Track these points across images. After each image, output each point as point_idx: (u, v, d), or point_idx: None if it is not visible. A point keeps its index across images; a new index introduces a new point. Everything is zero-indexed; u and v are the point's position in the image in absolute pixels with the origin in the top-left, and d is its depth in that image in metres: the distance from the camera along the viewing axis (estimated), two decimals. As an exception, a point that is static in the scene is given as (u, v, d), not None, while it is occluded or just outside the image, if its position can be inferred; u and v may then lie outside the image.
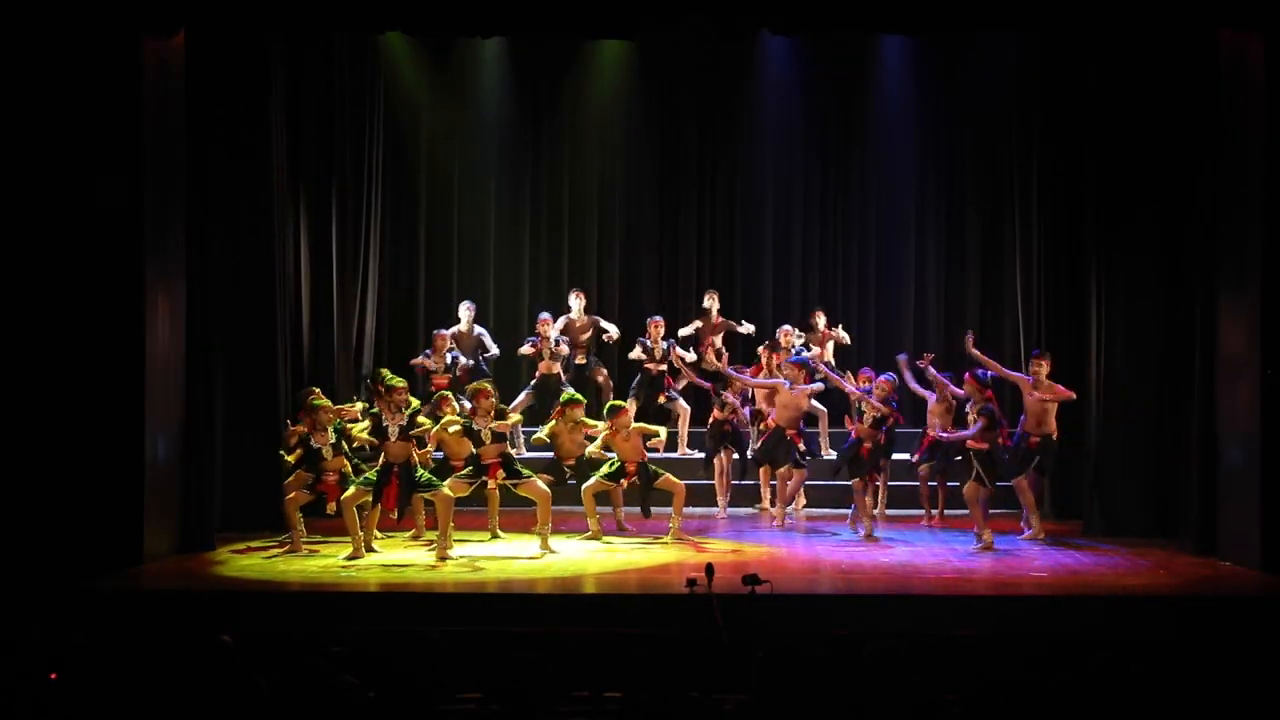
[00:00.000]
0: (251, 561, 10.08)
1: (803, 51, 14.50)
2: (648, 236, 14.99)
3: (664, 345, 13.31)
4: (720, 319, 13.81)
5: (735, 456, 12.43)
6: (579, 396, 11.49)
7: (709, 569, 6.99)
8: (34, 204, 9.79)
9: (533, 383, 13.22)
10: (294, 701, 5.20)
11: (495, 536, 10.91)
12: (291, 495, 10.37)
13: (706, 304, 13.85)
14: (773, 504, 12.24)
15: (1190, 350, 10.74)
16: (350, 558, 9.94)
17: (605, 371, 13.74)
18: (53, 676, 5.52)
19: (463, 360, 13.27)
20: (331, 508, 10.41)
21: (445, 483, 10.29)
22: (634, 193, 15.01)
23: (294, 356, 12.19)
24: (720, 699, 5.35)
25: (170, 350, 10.32)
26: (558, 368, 13.15)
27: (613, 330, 13.75)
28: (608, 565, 10.01)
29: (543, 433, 11.39)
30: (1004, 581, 9.39)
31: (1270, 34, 9.68)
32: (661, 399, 13.28)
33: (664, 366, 13.28)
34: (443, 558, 9.94)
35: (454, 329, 13.59)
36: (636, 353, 13.44)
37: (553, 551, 10.22)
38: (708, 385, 12.80)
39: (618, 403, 11.44)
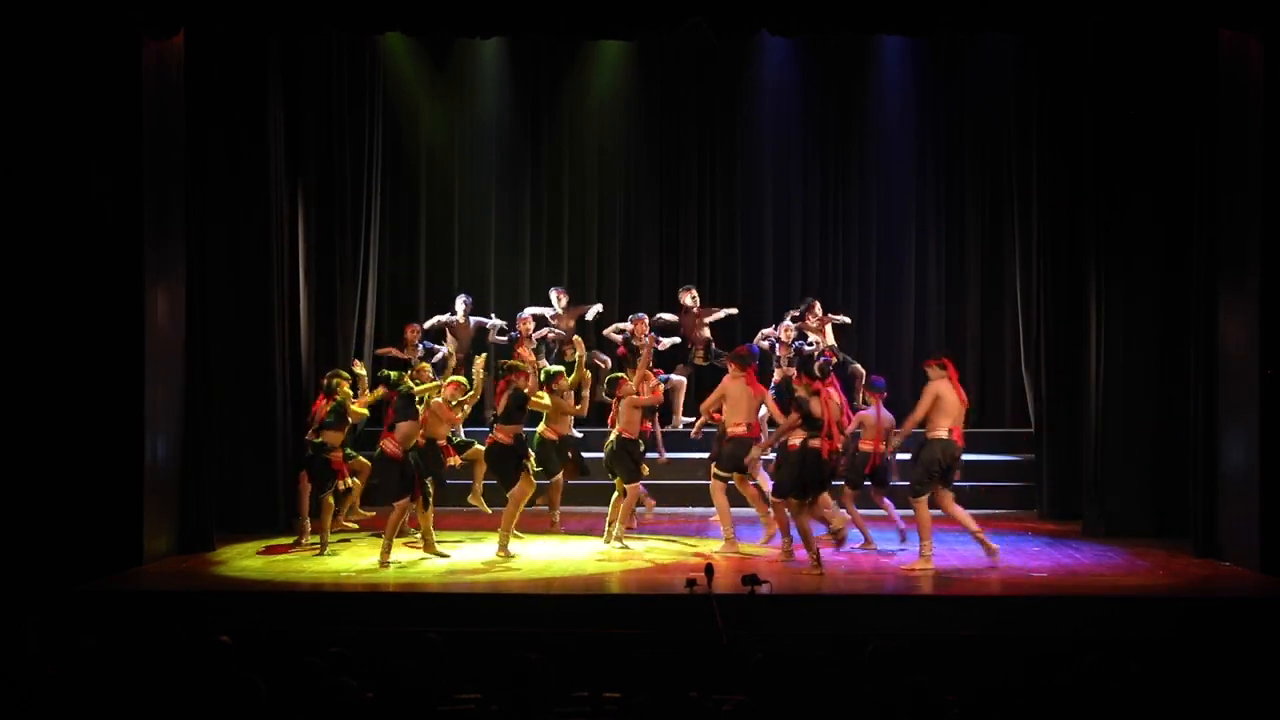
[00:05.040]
0: (251, 562, 10.08)
1: (802, 51, 14.51)
2: (648, 236, 14.99)
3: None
4: (701, 309, 13.64)
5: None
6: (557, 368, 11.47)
7: (709, 569, 7.00)
8: (34, 204, 9.80)
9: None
10: (293, 703, 5.20)
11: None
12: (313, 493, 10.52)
13: (687, 301, 13.66)
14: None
15: (1190, 350, 10.74)
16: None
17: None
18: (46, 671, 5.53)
19: (448, 350, 13.20)
20: (343, 485, 10.60)
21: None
22: (634, 192, 15.01)
23: (294, 356, 12.17)
24: (719, 699, 5.35)
25: (170, 350, 10.33)
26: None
27: (594, 308, 13.80)
28: (607, 566, 10.00)
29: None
30: (1004, 581, 9.39)
31: (1269, 34, 9.69)
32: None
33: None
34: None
35: (449, 318, 13.54)
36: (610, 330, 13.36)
37: (510, 555, 10.15)
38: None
39: (617, 375, 11.21)
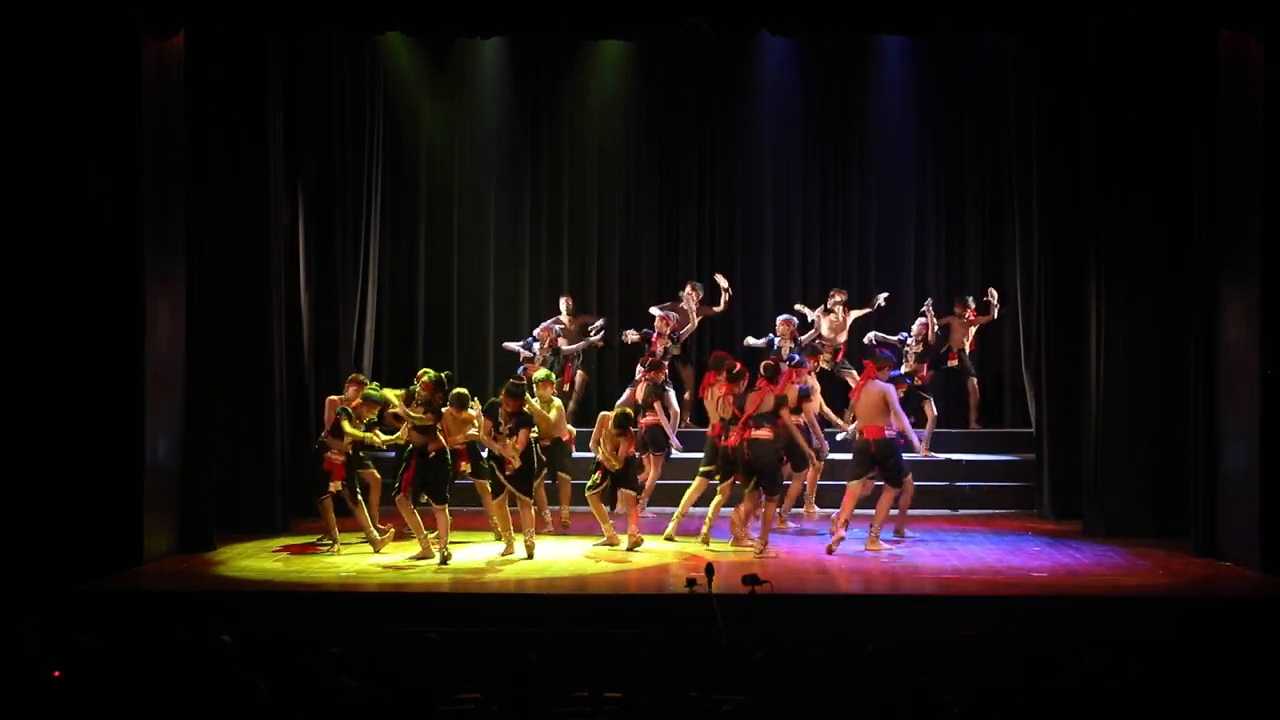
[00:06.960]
0: (252, 562, 10.08)
1: (802, 51, 14.51)
2: (647, 236, 14.99)
3: (791, 348, 12.81)
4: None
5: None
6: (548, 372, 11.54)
7: (709, 569, 7.00)
8: (34, 205, 9.80)
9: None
10: (293, 703, 5.20)
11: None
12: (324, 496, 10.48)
13: (837, 305, 13.61)
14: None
15: (1190, 350, 10.74)
16: (418, 557, 10.05)
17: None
18: (55, 675, 5.53)
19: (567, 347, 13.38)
20: (335, 486, 10.41)
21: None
22: (634, 192, 15.01)
23: (293, 357, 12.17)
24: (719, 699, 5.35)
25: (170, 351, 10.33)
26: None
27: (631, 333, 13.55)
28: (607, 565, 10.01)
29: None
30: (1004, 581, 9.39)
31: (1269, 34, 9.69)
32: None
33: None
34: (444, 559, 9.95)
35: (552, 322, 13.52)
36: (755, 343, 13.22)
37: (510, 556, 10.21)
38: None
39: (626, 411, 10.99)
